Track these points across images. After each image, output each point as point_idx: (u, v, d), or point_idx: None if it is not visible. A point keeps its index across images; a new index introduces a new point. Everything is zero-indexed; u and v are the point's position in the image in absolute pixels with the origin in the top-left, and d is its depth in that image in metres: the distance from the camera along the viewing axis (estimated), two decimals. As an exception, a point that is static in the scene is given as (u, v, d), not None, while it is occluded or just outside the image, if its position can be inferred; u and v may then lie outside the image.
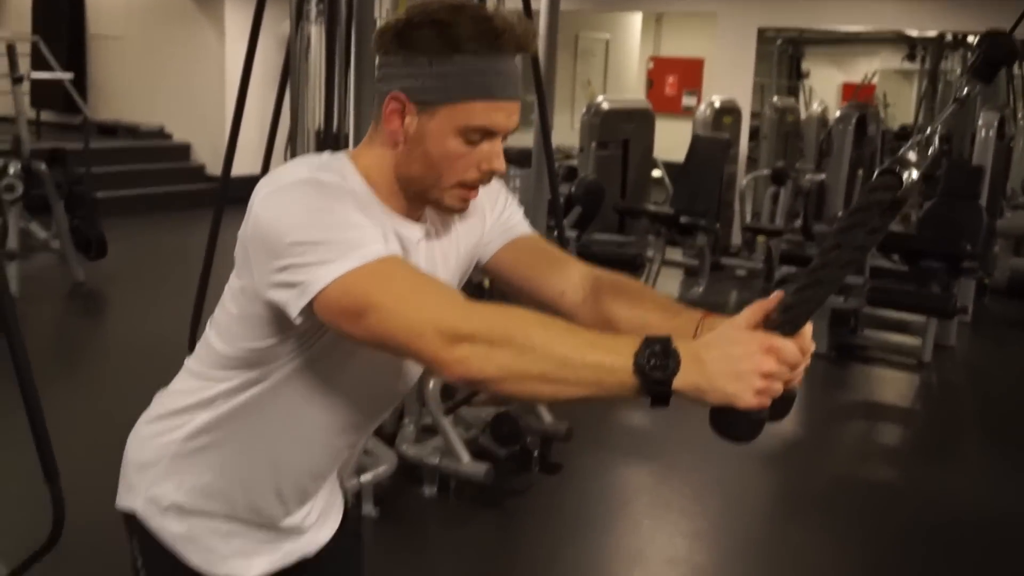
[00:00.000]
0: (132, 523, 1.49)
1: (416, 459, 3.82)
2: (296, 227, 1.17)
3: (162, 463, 1.45)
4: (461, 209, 1.37)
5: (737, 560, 3.52)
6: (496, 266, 1.51)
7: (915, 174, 1.12)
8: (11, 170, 6.24)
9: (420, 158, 1.30)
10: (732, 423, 1.11)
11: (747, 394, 1.08)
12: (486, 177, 1.33)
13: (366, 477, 3.55)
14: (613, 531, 3.74)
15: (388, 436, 3.97)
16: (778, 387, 1.11)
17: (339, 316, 1.17)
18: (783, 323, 1.14)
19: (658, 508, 3.91)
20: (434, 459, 3.77)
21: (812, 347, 1.17)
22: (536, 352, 1.10)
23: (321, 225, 1.17)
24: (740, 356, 1.09)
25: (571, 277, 1.46)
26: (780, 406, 1.16)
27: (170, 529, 1.45)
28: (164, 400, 1.48)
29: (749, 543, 3.68)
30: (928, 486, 4.33)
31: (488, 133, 1.29)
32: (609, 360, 1.09)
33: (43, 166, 6.47)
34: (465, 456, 3.74)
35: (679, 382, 1.08)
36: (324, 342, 1.33)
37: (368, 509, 3.58)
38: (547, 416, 4.15)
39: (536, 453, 4.09)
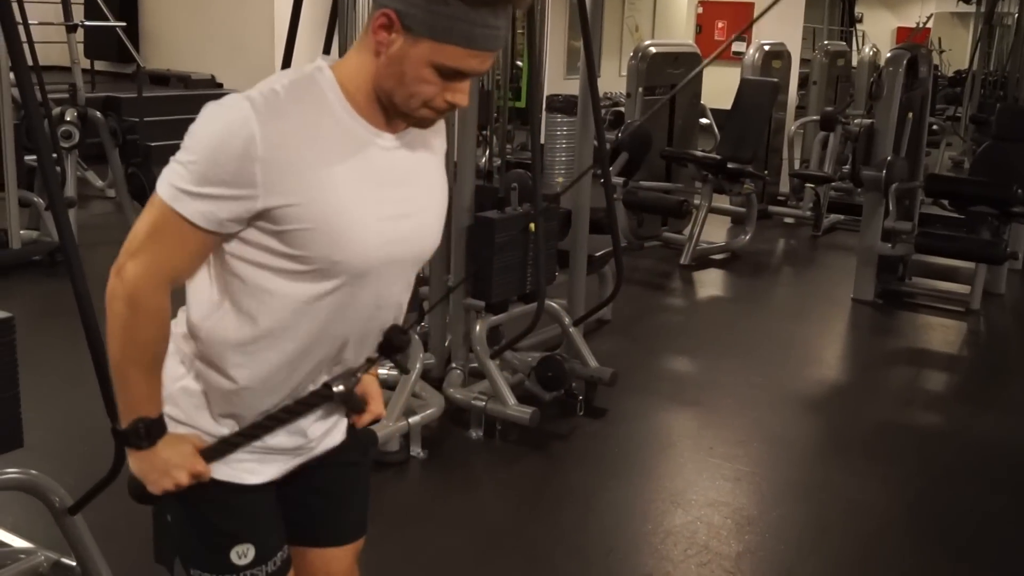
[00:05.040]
0: None
1: (463, 402, 3.90)
2: (191, 140, 1.52)
3: (186, 378, 1.56)
4: (425, 124, 1.50)
5: (779, 502, 3.57)
6: None
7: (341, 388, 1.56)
8: (68, 117, 6.36)
9: (396, 76, 1.42)
10: (134, 488, 1.57)
11: (155, 488, 1.52)
12: (450, 107, 1.46)
13: (414, 420, 3.65)
14: (655, 474, 3.80)
15: (435, 380, 4.05)
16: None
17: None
18: (208, 452, 1.54)
19: (700, 452, 3.96)
20: (480, 402, 3.85)
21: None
22: (121, 346, 1.47)
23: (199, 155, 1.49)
24: (173, 466, 1.51)
25: None
26: None
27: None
28: (181, 317, 1.60)
29: (791, 485, 3.72)
30: (973, 429, 4.33)
31: (461, 74, 1.41)
32: (130, 402, 1.50)
33: (98, 114, 6.59)
34: (511, 399, 3.81)
35: (132, 459, 1.53)
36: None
37: (416, 451, 3.68)
38: (592, 361, 4.21)
39: (581, 397, 4.16)
